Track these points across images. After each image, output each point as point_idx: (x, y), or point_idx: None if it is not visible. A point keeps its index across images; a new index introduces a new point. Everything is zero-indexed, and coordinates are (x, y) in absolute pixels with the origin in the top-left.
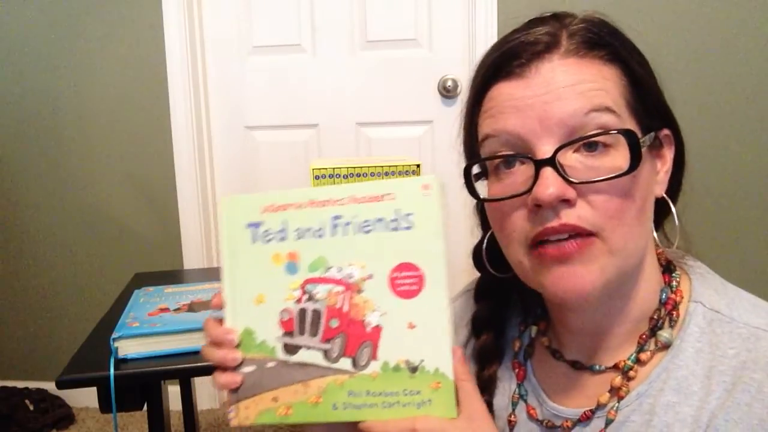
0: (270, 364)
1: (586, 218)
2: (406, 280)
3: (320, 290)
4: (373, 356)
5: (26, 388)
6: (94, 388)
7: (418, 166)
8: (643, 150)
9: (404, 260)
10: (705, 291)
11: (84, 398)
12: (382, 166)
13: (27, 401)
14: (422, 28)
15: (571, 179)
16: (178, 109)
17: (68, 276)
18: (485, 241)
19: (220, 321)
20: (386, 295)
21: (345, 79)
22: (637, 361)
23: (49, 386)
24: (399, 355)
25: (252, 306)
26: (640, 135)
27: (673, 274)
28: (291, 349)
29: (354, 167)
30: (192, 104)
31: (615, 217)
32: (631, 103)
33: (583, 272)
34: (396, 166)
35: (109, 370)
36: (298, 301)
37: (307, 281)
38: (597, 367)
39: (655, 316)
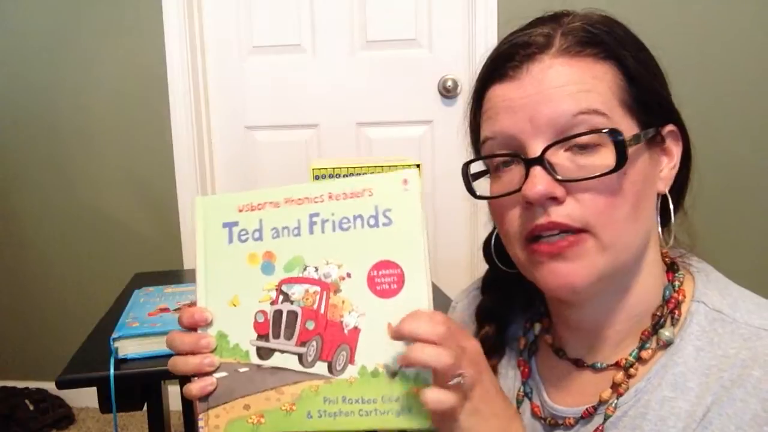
0: (242, 369)
1: (574, 216)
2: (385, 279)
3: (296, 291)
4: (351, 360)
5: (26, 388)
6: (94, 388)
7: (418, 166)
8: (639, 146)
9: (383, 258)
10: (708, 291)
11: (84, 398)
12: (381, 166)
13: (27, 401)
14: (422, 28)
15: (558, 177)
16: (178, 109)
17: (68, 276)
18: (494, 235)
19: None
20: (365, 295)
21: (345, 79)
22: (639, 358)
23: (49, 386)
24: (378, 358)
25: (226, 308)
26: (636, 131)
27: (677, 274)
28: (265, 352)
29: (354, 167)
30: (192, 104)
31: (605, 214)
32: (625, 100)
33: (574, 268)
34: (396, 166)
35: (109, 370)
36: (274, 302)
37: (283, 281)
38: (598, 365)
39: (658, 313)
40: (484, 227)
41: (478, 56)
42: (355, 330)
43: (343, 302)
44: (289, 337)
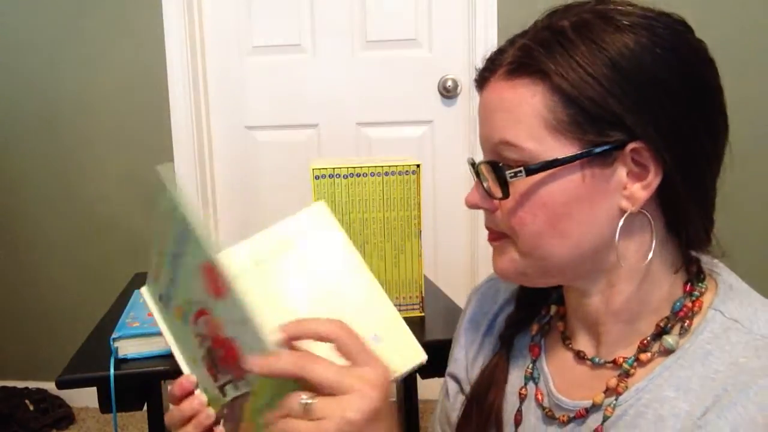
0: (225, 411)
1: (497, 224)
2: (212, 284)
3: (200, 325)
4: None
5: (26, 388)
6: (94, 388)
7: (417, 166)
8: (562, 168)
9: (203, 262)
10: (728, 301)
11: (84, 398)
12: (381, 166)
13: (27, 401)
14: (422, 28)
15: (486, 191)
16: (178, 109)
17: (68, 276)
18: None
19: None
20: (216, 305)
21: (345, 79)
22: (637, 360)
23: (49, 386)
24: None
25: (195, 367)
26: (572, 151)
27: (699, 284)
28: (222, 389)
29: (354, 167)
30: (192, 104)
31: (517, 226)
32: (555, 121)
33: (498, 259)
34: (395, 166)
35: (109, 370)
36: (201, 345)
37: (193, 323)
38: (597, 360)
39: (662, 324)
40: (483, 227)
41: (478, 56)
42: (232, 339)
43: (217, 318)
44: (219, 367)
